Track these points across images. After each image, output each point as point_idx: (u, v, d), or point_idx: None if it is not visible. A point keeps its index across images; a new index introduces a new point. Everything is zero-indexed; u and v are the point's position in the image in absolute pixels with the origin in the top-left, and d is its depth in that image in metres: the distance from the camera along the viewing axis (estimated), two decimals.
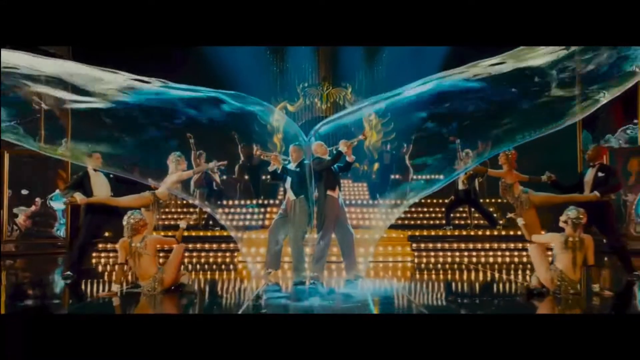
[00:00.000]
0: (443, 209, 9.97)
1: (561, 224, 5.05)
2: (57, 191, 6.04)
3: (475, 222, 9.57)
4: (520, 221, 5.70)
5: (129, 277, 5.83)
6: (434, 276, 6.88)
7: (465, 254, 8.51)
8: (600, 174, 6.10)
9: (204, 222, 9.63)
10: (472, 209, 9.53)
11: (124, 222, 5.25)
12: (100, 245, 8.13)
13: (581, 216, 4.96)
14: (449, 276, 6.84)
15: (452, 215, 9.65)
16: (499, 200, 9.74)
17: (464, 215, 9.97)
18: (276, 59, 13.31)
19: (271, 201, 10.67)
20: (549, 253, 5.23)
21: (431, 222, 10.25)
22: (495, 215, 9.49)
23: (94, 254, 7.90)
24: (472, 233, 9.10)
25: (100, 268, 7.52)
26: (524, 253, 7.86)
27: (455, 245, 8.69)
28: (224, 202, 10.17)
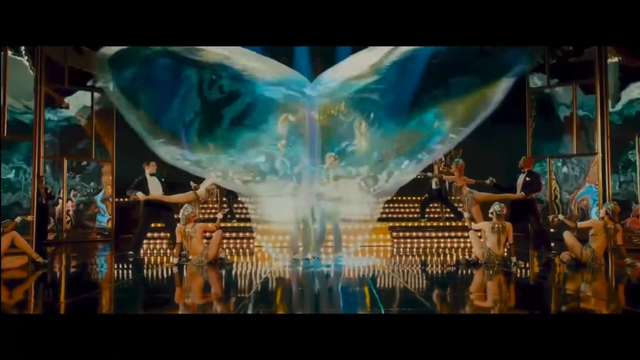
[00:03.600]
0: (418, 205, 12.16)
1: (489, 215, 7.24)
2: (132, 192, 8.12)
3: (446, 215, 11.70)
4: (466, 214, 7.89)
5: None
6: (410, 257, 8.95)
7: (435, 240, 10.68)
8: (527, 179, 8.26)
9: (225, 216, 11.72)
10: (443, 205, 11.66)
11: (180, 214, 7.44)
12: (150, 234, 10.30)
13: (502, 209, 7.14)
14: (422, 257, 8.79)
15: (426, 210, 11.77)
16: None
17: (437, 210, 12.12)
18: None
19: None
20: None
21: (410, 215, 12.43)
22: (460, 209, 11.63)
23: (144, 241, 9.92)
24: (441, 224, 11.26)
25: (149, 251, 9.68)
26: None
27: (427, 234, 10.84)
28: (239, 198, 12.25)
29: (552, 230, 10.51)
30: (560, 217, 7.68)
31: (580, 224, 7.39)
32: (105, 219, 12.07)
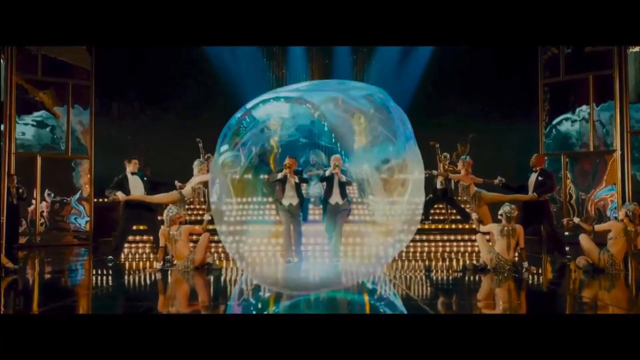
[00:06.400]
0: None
1: (499, 217, 7.23)
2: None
3: (452, 217, 11.65)
4: (474, 216, 7.87)
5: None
6: (412, 262, 8.90)
7: (440, 244, 10.63)
8: (540, 178, 8.24)
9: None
10: (449, 206, 11.62)
11: (164, 215, 7.42)
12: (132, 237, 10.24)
13: (513, 211, 7.13)
14: (426, 262, 8.78)
15: (430, 211, 11.72)
16: None
17: (442, 211, 12.08)
18: (272, 67, 15.38)
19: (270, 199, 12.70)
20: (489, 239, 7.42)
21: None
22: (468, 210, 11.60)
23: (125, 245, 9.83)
24: (446, 227, 11.20)
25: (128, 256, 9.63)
26: None
27: (431, 237, 10.78)
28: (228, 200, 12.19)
29: (566, 233, 10.53)
30: (576, 219, 7.67)
31: (598, 227, 7.38)
32: (83, 221, 12.01)
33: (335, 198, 8.13)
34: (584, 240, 7.10)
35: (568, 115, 11.91)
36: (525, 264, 7.11)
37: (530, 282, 6.64)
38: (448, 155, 11.50)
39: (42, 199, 11.59)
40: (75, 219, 11.93)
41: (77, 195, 11.94)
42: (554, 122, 12.05)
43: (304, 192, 8.54)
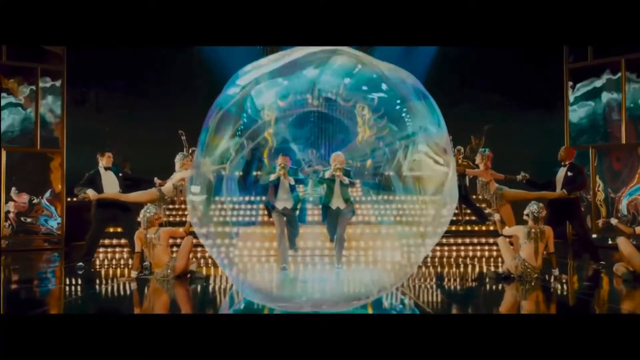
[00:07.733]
0: None
1: (524, 217, 6.72)
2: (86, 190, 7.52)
3: (467, 217, 11.15)
4: (496, 217, 7.37)
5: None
6: (423, 269, 8.38)
7: (454, 248, 10.14)
8: (569, 173, 7.76)
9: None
10: (463, 206, 11.10)
11: (141, 216, 6.90)
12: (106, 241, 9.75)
13: (541, 210, 6.62)
14: (438, 269, 8.27)
15: None
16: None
17: (456, 211, 11.56)
18: (267, 55, 14.84)
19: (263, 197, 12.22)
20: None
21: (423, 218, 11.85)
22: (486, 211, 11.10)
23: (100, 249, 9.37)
24: (461, 228, 10.70)
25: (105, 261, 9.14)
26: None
27: (444, 240, 10.27)
28: (216, 199, 11.68)
29: (594, 235, 10.06)
30: (613, 221, 7.21)
31: None
32: (54, 223, 11.46)
33: (337, 202, 7.60)
34: (623, 244, 6.59)
35: (596, 103, 11.35)
36: (556, 272, 6.64)
37: (560, 292, 6.17)
38: (462, 148, 11.03)
39: (8, 198, 11.04)
40: (45, 220, 11.39)
41: (48, 194, 11.39)
42: (581, 111, 11.51)
43: (300, 193, 8.00)
